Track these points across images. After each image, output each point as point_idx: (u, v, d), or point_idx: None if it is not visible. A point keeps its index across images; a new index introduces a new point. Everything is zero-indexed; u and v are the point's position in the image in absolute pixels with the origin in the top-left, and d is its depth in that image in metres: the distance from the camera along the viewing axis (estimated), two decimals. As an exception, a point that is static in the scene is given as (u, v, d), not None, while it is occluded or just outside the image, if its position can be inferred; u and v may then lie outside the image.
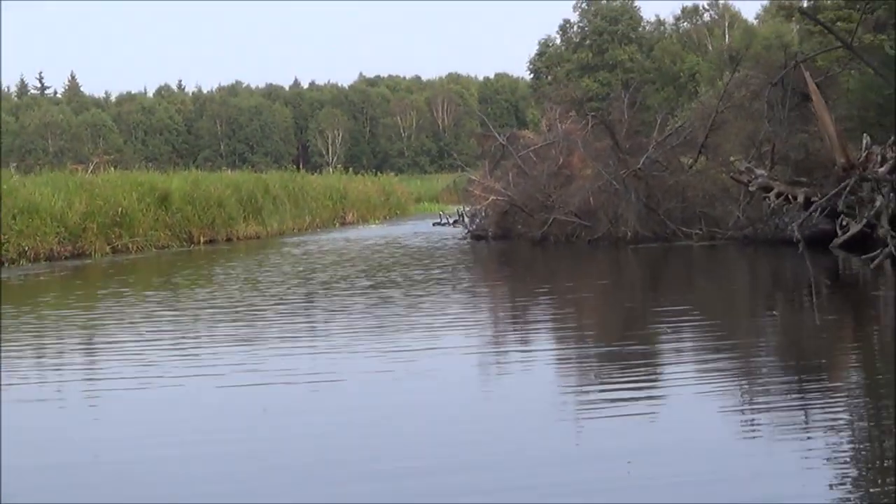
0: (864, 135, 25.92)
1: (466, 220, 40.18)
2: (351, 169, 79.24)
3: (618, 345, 13.79)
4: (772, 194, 26.62)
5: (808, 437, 8.68)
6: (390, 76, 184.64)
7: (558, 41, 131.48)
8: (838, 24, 40.02)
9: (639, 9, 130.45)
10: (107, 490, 8.08)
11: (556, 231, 32.66)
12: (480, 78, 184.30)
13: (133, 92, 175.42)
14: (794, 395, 10.33)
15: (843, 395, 10.39)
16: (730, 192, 30.06)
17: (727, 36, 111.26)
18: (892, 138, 24.81)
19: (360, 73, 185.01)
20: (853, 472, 7.93)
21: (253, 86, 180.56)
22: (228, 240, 43.77)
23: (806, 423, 9.16)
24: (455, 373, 12.10)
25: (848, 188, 24.29)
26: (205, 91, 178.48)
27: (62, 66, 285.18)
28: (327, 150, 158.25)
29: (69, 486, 8.24)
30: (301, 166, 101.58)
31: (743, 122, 31.11)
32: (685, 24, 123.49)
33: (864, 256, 21.50)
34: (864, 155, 25.16)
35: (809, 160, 27.98)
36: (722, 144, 32.10)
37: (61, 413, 11.04)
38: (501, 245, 34.56)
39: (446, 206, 68.79)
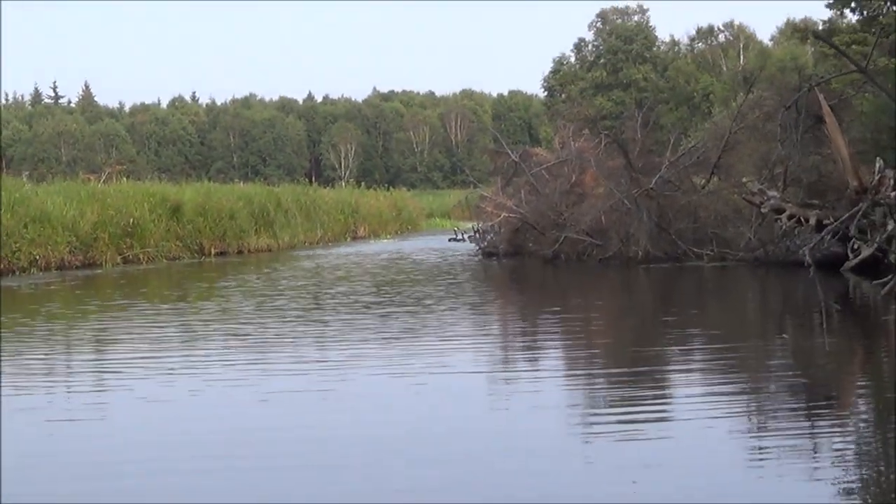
0: (878, 158, 25.87)
1: (478, 236, 40.15)
2: (363, 183, 79.29)
3: (627, 365, 13.76)
4: (784, 216, 26.56)
5: (816, 462, 8.66)
6: (404, 91, 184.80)
7: (573, 59, 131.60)
8: (853, 47, 39.93)
9: (654, 28, 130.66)
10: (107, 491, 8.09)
11: (568, 249, 32.62)
12: (494, 94, 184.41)
13: (147, 103, 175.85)
14: (802, 420, 10.29)
15: (851, 420, 10.35)
16: (742, 214, 30.03)
17: (742, 57, 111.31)
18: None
19: (374, 88, 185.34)
20: (858, 501, 7.90)
21: (267, 98, 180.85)
22: (240, 252, 43.77)
23: (813, 447, 9.13)
24: (462, 389, 12.08)
25: (861, 212, 24.22)
26: (218, 103, 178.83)
27: (76, 76, 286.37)
28: (340, 164, 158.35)
29: (71, 493, 8.24)
30: (313, 180, 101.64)
31: (756, 143, 31.08)
32: (700, 44, 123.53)
33: (875, 282, 21.41)
34: (876, 178, 25.11)
35: (822, 183, 27.95)
36: (735, 165, 32.07)
37: (68, 423, 11.03)
38: (512, 262, 34.52)
39: (458, 222, 68.77)
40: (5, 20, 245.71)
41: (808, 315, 19.78)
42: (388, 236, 60.45)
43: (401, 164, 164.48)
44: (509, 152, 39.50)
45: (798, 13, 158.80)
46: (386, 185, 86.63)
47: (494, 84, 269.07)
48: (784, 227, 26.89)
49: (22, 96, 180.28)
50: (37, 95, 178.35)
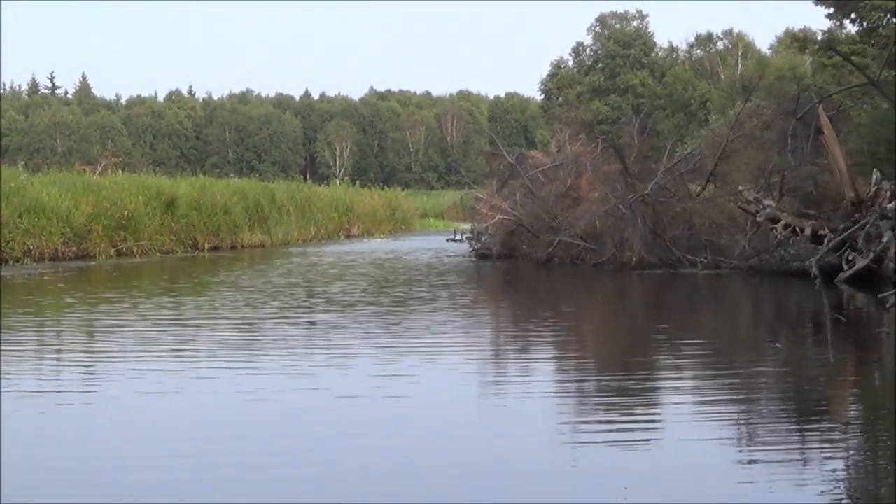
0: (875, 170, 25.88)
1: (472, 238, 40.15)
2: (358, 182, 79.25)
3: (617, 372, 13.75)
4: (779, 226, 26.56)
5: (805, 472, 8.64)
6: (401, 91, 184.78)
7: (570, 63, 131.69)
8: (852, 58, 39.96)
9: (652, 34, 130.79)
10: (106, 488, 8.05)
11: (562, 253, 32.62)
12: (491, 96, 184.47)
13: (143, 95, 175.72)
14: (793, 430, 10.27)
15: (842, 431, 10.33)
16: (737, 222, 30.02)
17: (740, 65, 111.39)
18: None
19: (371, 87, 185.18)
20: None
21: (263, 94, 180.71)
22: (233, 247, 43.78)
23: (804, 458, 9.11)
24: (451, 394, 12.03)
25: (868, 224, 24.15)
26: (215, 98, 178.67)
27: (74, 67, 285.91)
28: (335, 161, 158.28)
29: (67, 486, 8.20)
30: (308, 177, 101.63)
31: (753, 151, 31.06)
32: (698, 51, 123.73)
33: (880, 296, 21.24)
34: (873, 190, 25.11)
35: (818, 193, 27.94)
36: (731, 173, 32.06)
37: (61, 415, 10.99)
38: (506, 265, 34.49)
39: (452, 222, 68.78)
40: (6, 9, 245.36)
41: (801, 324, 19.77)
42: (382, 235, 60.45)
43: (396, 163, 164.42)
44: (505, 154, 39.47)
45: (797, 23, 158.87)
46: (380, 185, 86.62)
47: (491, 86, 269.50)
48: (779, 236, 26.87)
49: (19, 86, 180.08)
50: (34, 86, 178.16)
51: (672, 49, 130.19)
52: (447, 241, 45.22)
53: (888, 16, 39.93)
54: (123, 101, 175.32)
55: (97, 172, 46.63)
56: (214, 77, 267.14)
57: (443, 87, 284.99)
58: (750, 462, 9.04)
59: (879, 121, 31.47)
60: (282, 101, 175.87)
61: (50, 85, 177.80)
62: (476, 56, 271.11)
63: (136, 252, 37.97)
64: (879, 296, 20.99)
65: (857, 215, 24.96)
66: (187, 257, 38.65)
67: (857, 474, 8.84)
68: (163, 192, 41.58)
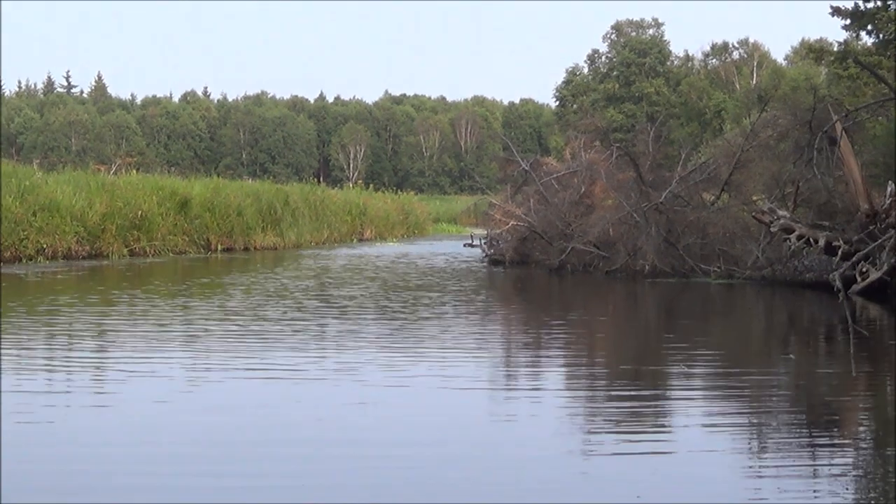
0: (889, 182, 25.80)
1: (485, 243, 40.13)
2: (371, 185, 79.31)
3: (629, 381, 13.71)
4: (793, 236, 26.47)
5: (816, 481, 8.62)
6: (416, 95, 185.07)
7: (585, 70, 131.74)
8: (858, 58, 39.89)
9: (668, 43, 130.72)
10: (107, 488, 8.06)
11: (574, 260, 32.60)
12: (505, 102, 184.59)
13: (158, 96, 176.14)
14: (804, 440, 10.25)
15: (853, 443, 10.31)
16: (750, 232, 29.95)
17: (755, 75, 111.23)
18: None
19: (386, 91, 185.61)
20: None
21: (278, 97, 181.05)
22: (246, 249, 43.84)
23: (814, 467, 9.10)
24: (461, 402, 12.01)
25: (893, 239, 24.02)
26: (230, 99, 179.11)
27: (90, 67, 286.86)
28: (348, 165, 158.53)
29: (72, 487, 8.21)
30: (321, 180, 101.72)
31: (768, 162, 31.00)
32: (713, 60, 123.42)
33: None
34: (888, 202, 25.04)
35: (832, 204, 27.85)
36: (745, 183, 32.02)
37: (69, 414, 11.00)
38: (518, 271, 34.48)
39: (464, 228, 68.73)
40: (24, 7, 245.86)
41: (814, 336, 19.72)
42: (395, 240, 60.45)
43: (409, 167, 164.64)
44: (520, 161, 39.46)
45: (813, 33, 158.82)
46: (394, 188, 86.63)
47: (506, 92, 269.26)
48: (793, 247, 26.79)
49: (35, 84, 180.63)
50: (49, 84, 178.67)
51: (687, 58, 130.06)
52: (464, 245, 45.19)
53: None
54: (139, 100, 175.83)
55: (111, 172, 46.73)
56: (230, 78, 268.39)
57: (457, 92, 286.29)
58: (760, 473, 9.02)
59: (894, 133, 31.39)
60: (296, 104, 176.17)
61: (66, 84, 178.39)
62: (491, 62, 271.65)
63: (148, 252, 38.05)
64: None
65: (871, 227, 24.90)
66: (200, 258, 38.70)
67: (868, 488, 8.81)
68: (176, 193, 41.65)
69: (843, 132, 27.05)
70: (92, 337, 16.91)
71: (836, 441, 10.39)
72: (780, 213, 27.01)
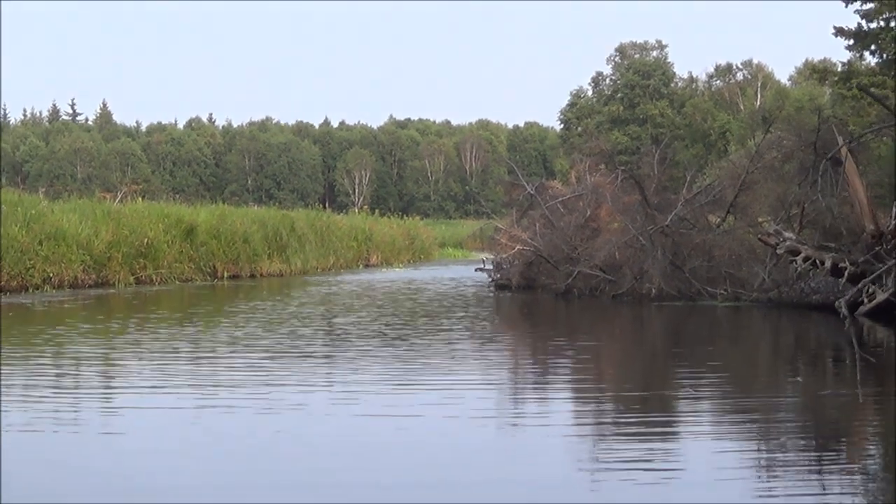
0: (895, 203, 25.78)
1: (491, 268, 40.09)
2: (377, 210, 79.38)
3: (636, 405, 13.68)
4: (799, 258, 26.44)
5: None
6: (420, 119, 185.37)
7: (590, 93, 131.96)
8: (871, 89, 39.94)
9: (672, 65, 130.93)
10: None
11: (581, 284, 32.57)
12: (510, 125, 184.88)
13: (164, 123, 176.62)
14: (813, 466, 10.21)
15: (860, 467, 10.28)
16: (756, 254, 29.90)
17: (759, 96, 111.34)
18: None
19: (391, 115, 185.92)
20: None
21: (283, 122, 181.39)
22: (252, 276, 43.85)
23: (822, 494, 9.07)
24: (467, 426, 11.99)
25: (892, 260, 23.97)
26: (235, 125, 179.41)
27: (95, 94, 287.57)
28: (354, 190, 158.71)
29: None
30: (327, 205, 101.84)
31: (773, 183, 30.96)
32: (717, 81, 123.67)
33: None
34: (893, 223, 25.03)
35: (838, 226, 27.82)
36: (751, 205, 31.98)
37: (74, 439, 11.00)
38: (525, 296, 34.45)
39: (469, 252, 68.75)
40: (28, 36, 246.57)
41: (821, 359, 19.66)
42: (401, 265, 60.45)
43: (414, 192, 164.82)
44: (525, 184, 39.46)
45: (817, 54, 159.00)
46: (399, 213, 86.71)
47: (510, 115, 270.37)
48: (799, 269, 26.76)
49: (40, 112, 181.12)
50: (54, 112, 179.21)
51: (691, 79, 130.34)
52: (476, 270, 45.19)
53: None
54: (144, 128, 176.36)
55: (117, 200, 46.80)
56: (234, 104, 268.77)
57: (462, 115, 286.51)
58: (769, 492, 9.00)
59: (899, 153, 31.41)
60: (301, 129, 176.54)
61: (71, 111, 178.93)
62: (495, 85, 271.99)
63: (155, 280, 38.07)
64: None
65: (877, 248, 24.89)
66: (206, 285, 38.70)
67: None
68: (182, 220, 41.67)
69: (849, 153, 27.06)
70: (98, 366, 16.90)
71: (843, 465, 10.36)
72: (786, 234, 26.99)
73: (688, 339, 23.17)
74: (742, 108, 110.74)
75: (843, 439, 11.88)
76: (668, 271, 30.38)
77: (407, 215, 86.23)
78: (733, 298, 29.11)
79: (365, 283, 41.19)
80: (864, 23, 41.99)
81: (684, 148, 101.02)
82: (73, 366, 16.91)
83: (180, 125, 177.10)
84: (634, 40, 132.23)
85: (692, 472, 9.81)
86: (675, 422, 12.69)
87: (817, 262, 26.04)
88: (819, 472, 9.92)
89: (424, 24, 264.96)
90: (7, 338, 19.96)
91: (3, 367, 15.75)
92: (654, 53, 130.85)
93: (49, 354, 18.19)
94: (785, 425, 12.52)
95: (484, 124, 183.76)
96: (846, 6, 41.20)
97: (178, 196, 76.68)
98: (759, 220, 30.84)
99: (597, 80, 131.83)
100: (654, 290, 30.09)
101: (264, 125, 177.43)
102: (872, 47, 42.83)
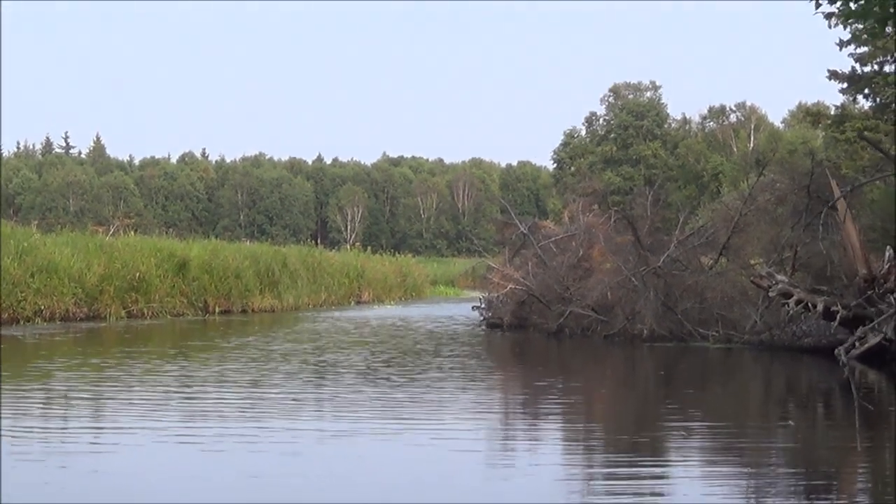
0: (888, 247, 25.81)
1: (483, 306, 40.03)
2: (369, 247, 79.36)
3: (626, 450, 13.64)
4: (791, 301, 26.42)
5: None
6: (413, 157, 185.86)
7: (583, 133, 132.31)
8: (864, 133, 40.10)
9: (665, 106, 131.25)
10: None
11: (572, 324, 32.53)
12: (503, 164, 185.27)
13: (157, 157, 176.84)
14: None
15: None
16: (749, 296, 29.87)
17: (752, 138, 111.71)
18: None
19: (384, 153, 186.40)
20: None
21: (276, 158, 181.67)
22: (243, 311, 43.80)
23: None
24: (458, 468, 11.94)
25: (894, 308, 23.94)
26: (228, 160, 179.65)
27: (88, 128, 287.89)
28: (346, 226, 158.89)
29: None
30: (319, 241, 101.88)
31: (766, 226, 31.00)
32: (711, 123, 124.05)
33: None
34: (886, 268, 25.04)
35: (831, 269, 27.81)
36: (743, 247, 31.98)
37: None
38: (516, 335, 34.40)
39: (461, 290, 68.72)
40: (22, 69, 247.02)
41: (812, 403, 19.63)
42: (393, 302, 60.41)
43: (407, 229, 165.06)
44: (518, 223, 39.45)
45: (810, 97, 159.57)
46: (391, 251, 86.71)
47: (503, 154, 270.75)
48: (791, 311, 26.73)
49: (33, 145, 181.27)
50: (48, 145, 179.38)
51: (685, 120, 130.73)
52: (472, 308, 45.05)
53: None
54: (137, 162, 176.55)
55: (110, 233, 46.78)
56: (228, 140, 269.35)
57: (455, 154, 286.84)
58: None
59: (892, 197, 31.44)
60: (294, 165, 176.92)
61: (64, 144, 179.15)
62: (489, 124, 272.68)
63: (146, 314, 38.01)
64: None
65: (869, 292, 24.88)
66: (198, 320, 38.63)
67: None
68: (174, 255, 41.67)
69: (843, 198, 27.09)
70: (87, 402, 16.83)
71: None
72: (779, 277, 26.98)
73: (679, 381, 23.12)
74: (735, 149, 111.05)
75: (835, 482, 11.85)
76: (661, 312, 30.35)
77: (399, 252, 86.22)
78: (725, 340, 29.05)
79: (356, 319, 41.12)
80: (857, 66, 42.18)
81: (677, 189, 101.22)
82: (61, 399, 16.85)
83: (173, 159, 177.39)
84: (628, 81, 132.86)
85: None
86: (665, 464, 12.64)
87: (809, 305, 26.01)
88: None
89: (419, 61, 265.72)
90: (-4, 371, 19.89)
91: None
92: (648, 94, 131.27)
93: (38, 387, 18.12)
94: (776, 469, 12.49)
95: (477, 163, 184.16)
96: (840, 50, 41.38)
97: (170, 230, 76.61)
98: (752, 262, 30.84)
99: (590, 120, 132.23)
100: (645, 331, 30.06)
101: (257, 160, 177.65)
102: (866, 91, 43.03)
